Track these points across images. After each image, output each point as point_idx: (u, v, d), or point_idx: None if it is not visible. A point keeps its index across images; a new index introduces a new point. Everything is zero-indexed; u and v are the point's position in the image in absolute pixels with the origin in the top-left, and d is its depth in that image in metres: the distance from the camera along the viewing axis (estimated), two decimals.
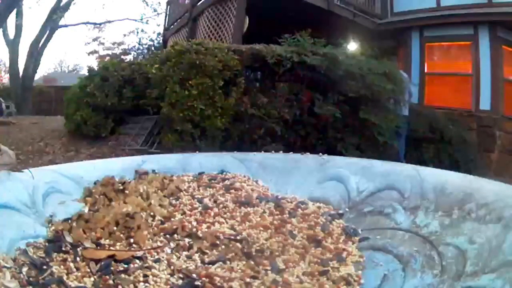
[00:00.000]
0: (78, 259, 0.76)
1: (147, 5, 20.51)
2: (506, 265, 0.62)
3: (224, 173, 1.27)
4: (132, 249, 0.82)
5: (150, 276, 0.72)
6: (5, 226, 0.77)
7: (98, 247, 0.81)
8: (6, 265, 0.68)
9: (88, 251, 0.78)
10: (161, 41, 12.36)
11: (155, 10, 17.88)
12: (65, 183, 1.02)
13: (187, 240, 0.87)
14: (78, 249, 0.79)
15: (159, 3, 19.04)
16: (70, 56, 61.34)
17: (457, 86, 7.58)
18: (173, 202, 1.04)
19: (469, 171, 4.06)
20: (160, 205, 1.00)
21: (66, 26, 17.27)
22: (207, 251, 0.84)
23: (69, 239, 0.82)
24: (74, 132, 6.08)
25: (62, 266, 0.74)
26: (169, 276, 0.74)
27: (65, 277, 0.71)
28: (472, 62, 7.25)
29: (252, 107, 4.43)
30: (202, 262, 0.80)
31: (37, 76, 16.99)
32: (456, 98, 7.48)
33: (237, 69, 4.55)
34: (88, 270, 0.73)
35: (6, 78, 19.87)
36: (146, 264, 0.76)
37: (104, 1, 34.28)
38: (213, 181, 1.20)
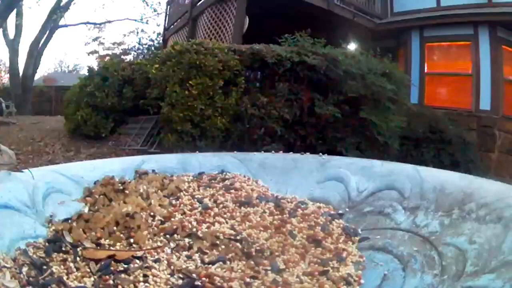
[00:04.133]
0: (78, 259, 0.76)
1: (147, 5, 20.52)
2: (506, 265, 0.62)
3: (224, 173, 1.27)
4: (132, 249, 0.82)
5: (150, 276, 0.72)
6: (5, 226, 0.77)
7: (98, 247, 0.81)
8: (6, 265, 0.68)
9: (88, 251, 0.78)
10: (161, 41, 12.37)
11: (155, 10, 17.93)
12: (65, 183, 1.02)
13: (187, 240, 0.87)
14: (78, 249, 0.79)
15: (159, 3, 19.10)
16: (70, 56, 61.32)
17: (457, 86, 7.58)
18: (173, 202, 1.04)
19: (469, 171, 4.07)
20: (160, 205, 1.00)
21: (66, 26, 17.27)
22: (207, 251, 0.84)
23: (69, 239, 0.82)
24: (74, 132, 6.09)
25: (62, 266, 0.74)
26: (169, 276, 0.74)
27: (65, 277, 0.71)
28: (472, 62, 7.26)
29: (252, 107, 4.43)
30: (202, 262, 0.80)
31: (37, 76, 16.98)
32: (456, 98, 7.49)
33: (237, 69, 4.55)
34: (88, 270, 0.73)
35: (6, 78, 19.86)
36: (146, 264, 0.76)
37: (104, 1, 34.26)
38: (213, 181, 1.20)
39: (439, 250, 0.77)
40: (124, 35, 28.90)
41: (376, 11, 8.37)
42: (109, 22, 22.53)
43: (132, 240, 0.84)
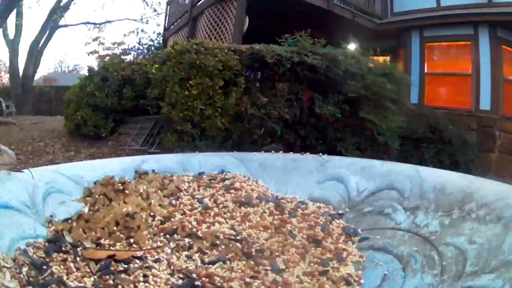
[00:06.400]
0: (78, 259, 0.76)
1: (147, 5, 20.51)
2: (506, 265, 0.62)
3: (224, 173, 1.27)
4: (132, 249, 0.82)
5: (150, 276, 0.72)
6: (5, 226, 0.77)
7: (98, 247, 0.81)
8: (6, 265, 0.68)
9: (88, 251, 0.78)
10: (161, 41, 12.37)
11: (155, 10, 17.91)
12: (65, 183, 1.02)
13: (187, 240, 0.87)
14: (78, 249, 0.79)
15: (159, 3, 19.09)
16: (70, 56, 61.21)
17: (457, 86, 7.58)
18: (173, 202, 1.04)
19: (469, 171, 4.06)
20: (160, 205, 1.00)
21: (66, 26, 17.23)
22: (207, 251, 0.84)
23: (69, 239, 0.82)
24: (74, 132, 6.08)
25: (62, 266, 0.74)
26: (169, 276, 0.74)
27: (65, 277, 0.71)
28: (472, 62, 7.25)
29: (252, 107, 4.43)
30: (202, 262, 0.80)
31: (37, 76, 16.97)
32: (456, 98, 7.49)
33: (237, 69, 4.55)
34: (88, 270, 0.73)
35: (6, 78, 19.85)
36: (146, 264, 0.76)
37: (104, 1, 34.28)
38: (213, 181, 1.20)
39: (439, 250, 0.77)
40: (124, 35, 28.92)
41: (376, 11, 8.37)
42: (109, 22, 22.56)
43: (132, 240, 0.84)
